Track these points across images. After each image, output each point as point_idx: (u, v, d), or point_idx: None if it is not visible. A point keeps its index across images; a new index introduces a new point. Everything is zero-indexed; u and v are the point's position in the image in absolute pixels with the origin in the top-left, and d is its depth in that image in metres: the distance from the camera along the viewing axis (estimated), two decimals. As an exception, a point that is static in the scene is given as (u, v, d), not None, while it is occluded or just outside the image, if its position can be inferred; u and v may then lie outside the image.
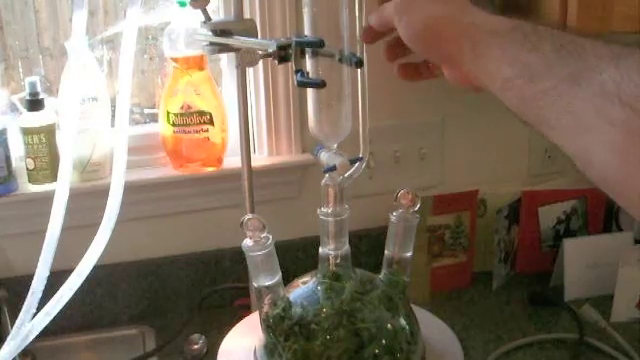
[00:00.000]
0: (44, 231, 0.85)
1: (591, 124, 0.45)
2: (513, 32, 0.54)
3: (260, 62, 1.08)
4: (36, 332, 0.85)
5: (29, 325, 0.84)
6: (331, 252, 0.76)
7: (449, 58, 0.60)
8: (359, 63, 0.71)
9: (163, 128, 1.19)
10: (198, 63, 1.17)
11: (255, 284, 0.74)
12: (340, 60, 0.71)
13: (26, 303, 0.84)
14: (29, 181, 1.15)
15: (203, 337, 1.15)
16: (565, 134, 0.48)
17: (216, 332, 1.07)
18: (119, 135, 0.91)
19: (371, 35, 0.68)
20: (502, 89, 0.54)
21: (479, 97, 1.43)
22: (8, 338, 0.85)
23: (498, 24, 0.55)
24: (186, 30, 1.13)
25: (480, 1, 1.01)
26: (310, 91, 0.74)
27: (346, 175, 0.74)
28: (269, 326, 0.73)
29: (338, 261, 0.77)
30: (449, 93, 1.33)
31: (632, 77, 0.43)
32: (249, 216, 0.72)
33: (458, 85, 0.62)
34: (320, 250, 0.77)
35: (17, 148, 1.14)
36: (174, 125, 1.17)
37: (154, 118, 1.26)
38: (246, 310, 1.06)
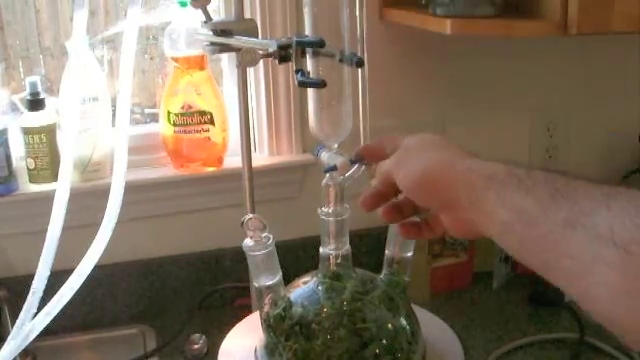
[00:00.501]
0: (45, 231, 0.85)
1: (589, 267, 0.47)
2: (508, 177, 0.55)
3: (261, 62, 1.08)
4: (37, 332, 0.85)
5: (30, 325, 0.84)
6: (332, 252, 0.76)
7: (448, 204, 0.61)
8: (360, 63, 0.71)
9: (164, 128, 1.19)
10: (199, 63, 1.17)
11: (256, 284, 0.74)
12: (341, 60, 0.71)
13: (27, 303, 0.84)
14: (30, 181, 1.15)
15: (203, 337, 1.15)
16: (566, 277, 0.49)
17: (217, 332, 1.07)
18: (120, 135, 0.92)
19: (371, 203, 0.69)
20: (500, 233, 0.56)
21: (479, 97, 1.44)
22: (9, 338, 0.85)
23: (494, 170, 0.57)
24: (187, 30, 1.13)
25: (480, 1, 1.01)
26: (311, 91, 0.74)
27: (347, 175, 0.74)
28: (270, 326, 0.73)
29: (339, 261, 0.77)
30: (449, 93, 1.34)
31: (623, 220, 0.45)
32: (250, 216, 0.72)
33: (458, 234, 0.63)
34: (321, 250, 0.77)
35: (18, 148, 1.14)
36: (175, 125, 1.18)
37: (155, 118, 1.26)
38: (247, 310, 1.06)
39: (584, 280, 0.47)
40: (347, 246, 0.77)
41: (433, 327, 0.81)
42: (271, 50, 0.75)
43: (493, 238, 0.57)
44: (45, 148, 1.12)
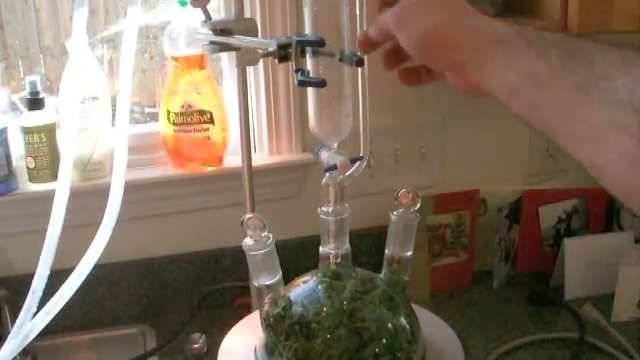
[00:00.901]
0: (45, 230, 0.85)
1: (603, 132, 0.45)
2: (517, 38, 0.53)
3: (260, 61, 1.08)
4: (37, 331, 0.85)
5: (30, 324, 0.84)
6: (331, 251, 0.76)
7: (453, 65, 0.59)
8: (359, 62, 0.71)
9: (164, 127, 1.19)
10: (199, 62, 1.17)
11: (255, 283, 0.74)
12: (340, 59, 0.71)
13: (27, 302, 0.84)
14: (29, 180, 1.15)
15: (203, 336, 1.15)
16: (576, 142, 0.48)
17: (216, 331, 1.07)
18: (119, 134, 0.91)
19: (368, 44, 0.67)
20: (509, 97, 0.54)
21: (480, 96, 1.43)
22: (9, 337, 0.85)
23: (501, 30, 0.54)
24: (187, 29, 1.13)
25: (480, 1, 1.01)
26: (310, 90, 0.74)
27: (346, 174, 0.74)
28: (269, 325, 0.73)
29: (338, 260, 0.77)
30: (450, 92, 1.33)
31: None
32: (249, 215, 0.72)
33: (463, 91, 0.61)
34: (320, 249, 0.77)
35: (17, 147, 1.14)
36: (175, 124, 1.17)
37: (155, 117, 1.26)
38: (246, 309, 1.06)
39: (596, 145, 0.46)
40: (347, 245, 0.77)
41: (433, 326, 0.81)
42: (271, 49, 0.75)
43: (501, 100, 0.55)
44: (45, 147, 1.12)
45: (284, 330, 0.72)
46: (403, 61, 0.67)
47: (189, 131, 1.18)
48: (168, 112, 1.18)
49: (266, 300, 0.74)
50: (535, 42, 0.51)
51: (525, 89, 0.51)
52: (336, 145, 0.75)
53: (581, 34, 0.52)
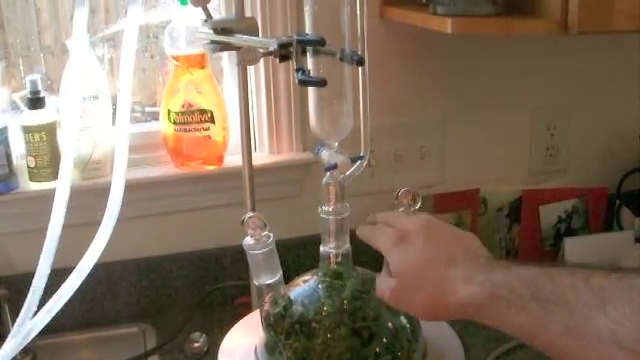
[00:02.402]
0: (45, 229, 0.85)
1: None
2: (494, 300, 0.59)
3: (261, 60, 1.08)
4: (37, 330, 0.85)
5: (30, 323, 0.84)
6: (332, 250, 0.76)
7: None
8: (360, 61, 0.71)
9: (164, 126, 1.19)
10: (199, 61, 1.17)
11: (256, 282, 0.74)
12: (341, 59, 0.71)
13: (27, 301, 0.84)
14: (30, 179, 1.15)
15: (204, 335, 1.15)
16: None
17: (217, 330, 1.07)
18: (120, 133, 0.92)
19: None
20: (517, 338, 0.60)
21: (480, 96, 1.44)
22: (9, 336, 0.85)
23: (476, 296, 0.61)
24: (187, 28, 1.13)
25: (481, 0, 1.01)
26: (311, 89, 0.74)
27: (347, 173, 0.74)
28: (270, 324, 0.73)
29: (339, 259, 0.77)
30: (450, 91, 1.34)
31: (623, 323, 0.49)
32: (250, 214, 0.72)
33: None
34: (321, 248, 0.77)
35: (18, 146, 1.14)
36: (175, 123, 1.17)
37: (155, 116, 1.26)
38: (247, 308, 1.06)
39: None
40: (347, 245, 0.77)
41: (433, 326, 0.81)
42: (272, 49, 0.75)
43: None
44: (45, 146, 1.12)
45: (284, 329, 0.72)
46: None
47: (189, 130, 1.18)
48: (169, 111, 1.18)
49: (266, 299, 0.74)
50: (512, 299, 0.58)
51: (522, 338, 0.58)
52: (336, 144, 0.75)
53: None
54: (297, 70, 0.71)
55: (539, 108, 1.39)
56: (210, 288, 1.26)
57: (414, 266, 0.67)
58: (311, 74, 0.72)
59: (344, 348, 0.71)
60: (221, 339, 0.81)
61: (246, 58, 0.92)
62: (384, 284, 0.69)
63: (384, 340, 0.72)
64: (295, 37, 0.72)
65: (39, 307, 0.85)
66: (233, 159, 1.20)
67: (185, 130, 1.18)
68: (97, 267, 0.88)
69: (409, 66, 1.29)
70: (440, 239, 0.68)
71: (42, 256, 0.85)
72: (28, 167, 1.14)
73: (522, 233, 1.36)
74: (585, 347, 0.51)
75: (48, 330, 0.86)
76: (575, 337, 0.52)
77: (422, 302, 0.66)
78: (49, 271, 0.84)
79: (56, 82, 1.19)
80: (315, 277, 0.77)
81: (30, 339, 0.85)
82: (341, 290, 0.75)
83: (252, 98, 1.22)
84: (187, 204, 1.25)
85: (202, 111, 1.17)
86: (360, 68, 0.73)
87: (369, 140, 0.77)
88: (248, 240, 0.72)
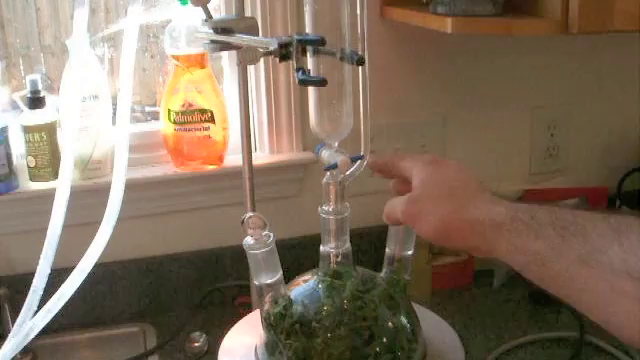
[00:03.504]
0: (45, 229, 0.85)
1: (608, 298, 0.51)
2: (515, 223, 0.59)
3: (261, 60, 1.08)
4: (37, 330, 0.85)
5: (30, 323, 0.84)
6: (332, 250, 0.76)
7: (467, 249, 0.65)
8: (360, 61, 0.71)
9: (164, 126, 1.19)
10: (199, 61, 1.17)
11: (256, 282, 0.74)
12: (341, 58, 0.71)
13: (27, 301, 0.84)
14: (30, 179, 1.15)
15: (204, 335, 1.15)
16: (588, 308, 0.54)
17: (217, 330, 1.07)
18: (120, 133, 0.92)
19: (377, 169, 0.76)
20: (520, 270, 0.60)
21: (480, 96, 1.44)
22: (9, 336, 0.85)
23: (498, 217, 0.60)
24: (187, 28, 1.13)
25: (481, 0, 1.01)
26: (311, 89, 0.74)
27: (347, 173, 0.74)
28: (270, 324, 0.73)
29: (339, 259, 0.77)
30: (450, 91, 1.34)
31: (636, 253, 0.50)
32: (250, 214, 0.72)
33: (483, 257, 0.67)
34: (321, 248, 0.77)
35: (18, 146, 1.14)
36: (175, 123, 1.17)
37: (155, 116, 1.26)
38: (247, 308, 1.06)
39: (605, 310, 0.52)
40: (347, 244, 0.77)
41: (433, 326, 0.81)
42: (272, 48, 0.75)
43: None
44: (45, 146, 1.12)
45: (284, 329, 0.72)
46: None
47: (190, 130, 1.18)
48: (169, 111, 1.18)
49: (267, 299, 0.74)
50: (531, 223, 0.58)
51: (532, 266, 0.58)
52: (337, 144, 0.75)
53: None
54: (297, 70, 0.70)
55: (539, 108, 1.39)
56: (210, 288, 1.26)
57: (442, 181, 0.66)
58: (311, 74, 0.72)
59: (344, 348, 0.71)
60: (221, 339, 0.81)
61: (246, 58, 0.92)
62: (396, 201, 0.67)
63: (384, 340, 0.72)
64: (295, 37, 0.72)
65: (39, 307, 0.85)
66: (233, 159, 1.20)
67: (185, 130, 1.18)
68: (97, 267, 0.88)
69: (409, 66, 1.29)
70: (471, 173, 0.69)
71: (42, 256, 0.85)
72: (28, 167, 1.14)
73: (522, 233, 1.36)
74: (596, 277, 0.51)
75: (48, 330, 0.86)
76: (588, 266, 0.52)
77: (437, 217, 0.64)
78: (49, 271, 0.85)
79: (56, 82, 1.19)
80: (315, 277, 0.77)
81: (30, 339, 0.85)
82: (341, 290, 0.75)
83: (252, 98, 1.22)
84: (187, 204, 1.25)
85: (202, 111, 1.17)
86: (360, 68, 0.73)
87: (369, 139, 0.77)
88: (248, 240, 0.72)
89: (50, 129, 1.13)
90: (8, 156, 1.11)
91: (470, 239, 0.62)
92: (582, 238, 0.53)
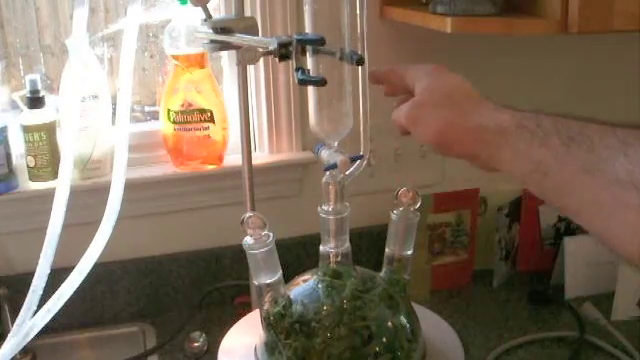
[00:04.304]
0: (45, 229, 0.85)
1: (611, 209, 0.49)
2: (519, 130, 0.58)
3: (261, 60, 1.08)
4: (37, 330, 0.85)
5: (30, 322, 0.84)
6: (332, 250, 0.76)
7: (468, 157, 0.64)
8: (360, 61, 0.71)
9: (164, 126, 1.19)
10: (199, 61, 1.17)
11: (256, 282, 0.74)
12: (341, 58, 0.71)
13: (27, 301, 0.84)
14: (30, 179, 1.15)
15: (204, 335, 1.15)
16: (588, 219, 0.53)
17: (217, 330, 1.07)
18: (120, 133, 0.91)
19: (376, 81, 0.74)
20: (522, 181, 0.59)
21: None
22: (9, 335, 0.85)
23: (503, 123, 0.59)
24: (187, 28, 1.13)
25: (481, 1, 1.01)
26: (311, 89, 0.74)
27: (347, 173, 0.74)
28: (270, 324, 0.73)
29: (339, 259, 0.77)
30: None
31: None
32: (250, 214, 0.72)
33: (486, 171, 0.65)
34: (321, 248, 0.77)
35: (18, 146, 1.14)
36: (175, 123, 1.17)
37: (155, 116, 1.26)
38: (247, 308, 1.06)
39: (606, 222, 0.50)
40: (347, 244, 0.77)
41: (433, 325, 0.81)
42: (271, 48, 0.75)
43: (517, 181, 0.60)
44: (45, 146, 1.12)
45: (284, 329, 0.72)
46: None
47: (189, 130, 1.18)
48: (168, 111, 1.18)
49: (266, 299, 0.74)
50: (537, 131, 0.57)
51: (534, 175, 0.56)
52: (336, 144, 0.75)
53: (575, 117, 0.56)
54: (297, 70, 0.70)
55: (539, 107, 1.39)
56: (210, 288, 1.26)
57: (445, 87, 0.66)
58: (311, 74, 0.72)
59: (344, 347, 0.71)
60: (221, 338, 0.81)
61: (246, 57, 0.92)
62: (402, 106, 0.67)
63: (384, 340, 0.72)
64: (295, 36, 0.72)
65: (39, 307, 0.85)
66: (233, 158, 1.20)
67: (185, 129, 1.18)
68: (97, 266, 0.88)
69: (409, 65, 1.29)
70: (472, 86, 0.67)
71: (42, 256, 0.85)
72: (28, 167, 1.14)
73: (522, 232, 1.36)
74: (600, 187, 0.50)
75: (48, 330, 0.86)
76: (592, 176, 0.50)
77: (440, 120, 0.63)
78: (49, 271, 0.84)
79: (56, 81, 1.19)
80: (315, 276, 0.77)
81: (30, 339, 0.85)
82: (341, 290, 0.75)
83: (252, 98, 1.22)
84: (187, 204, 1.25)
85: (202, 111, 1.17)
86: (360, 68, 0.73)
87: (369, 139, 0.77)
88: (248, 239, 0.72)
89: (49, 129, 1.13)
90: (8, 156, 1.11)
91: (470, 146, 0.62)
92: (587, 148, 0.52)
